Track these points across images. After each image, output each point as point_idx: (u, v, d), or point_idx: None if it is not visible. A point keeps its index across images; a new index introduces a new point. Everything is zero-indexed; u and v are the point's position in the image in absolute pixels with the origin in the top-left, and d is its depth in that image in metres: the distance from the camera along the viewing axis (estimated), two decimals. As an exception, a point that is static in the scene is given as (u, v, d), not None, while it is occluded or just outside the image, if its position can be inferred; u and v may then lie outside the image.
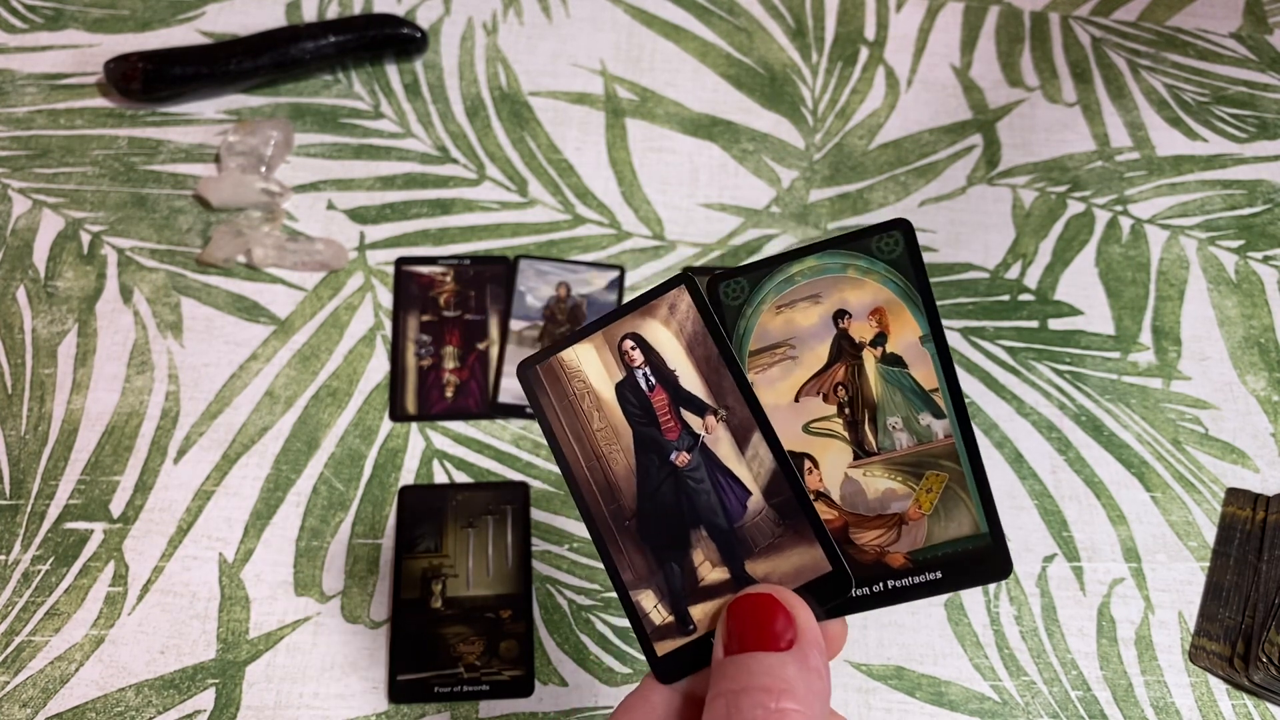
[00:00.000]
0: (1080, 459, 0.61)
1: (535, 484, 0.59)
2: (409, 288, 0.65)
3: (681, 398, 0.31)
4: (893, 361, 0.31)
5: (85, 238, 0.66)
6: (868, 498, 0.30)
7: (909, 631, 0.56)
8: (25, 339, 0.63)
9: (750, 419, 0.31)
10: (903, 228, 0.31)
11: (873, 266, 0.31)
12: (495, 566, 0.56)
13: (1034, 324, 0.66)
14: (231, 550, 0.57)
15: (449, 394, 0.62)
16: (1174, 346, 0.65)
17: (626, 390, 0.32)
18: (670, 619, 0.31)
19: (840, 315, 0.31)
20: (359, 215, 0.68)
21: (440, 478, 0.59)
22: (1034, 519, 0.59)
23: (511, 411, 0.61)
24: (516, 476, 0.59)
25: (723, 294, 0.32)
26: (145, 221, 0.67)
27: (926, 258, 0.68)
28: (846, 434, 0.31)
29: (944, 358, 0.31)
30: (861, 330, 0.31)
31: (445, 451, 0.60)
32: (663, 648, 0.31)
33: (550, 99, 0.74)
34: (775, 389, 0.31)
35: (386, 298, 0.65)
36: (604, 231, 0.68)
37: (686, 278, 0.31)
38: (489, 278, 0.66)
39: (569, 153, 0.72)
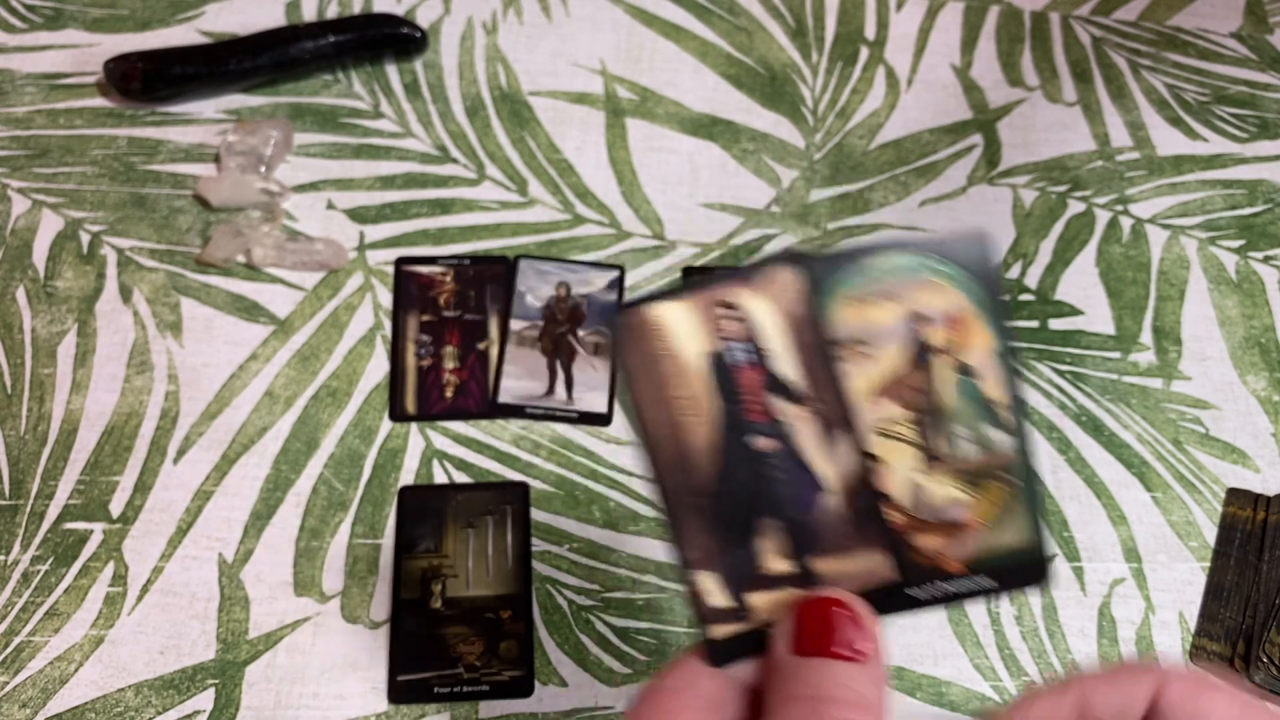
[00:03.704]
0: (1081, 459, 0.61)
1: (535, 484, 0.59)
2: (409, 288, 0.65)
3: (774, 381, 0.30)
4: (966, 372, 0.30)
5: (85, 238, 0.66)
6: (931, 503, 0.30)
7: (909, 631, 0.56)
8: (24, 339, 0.63)
9: (840, 416, 0.30)
10: (984, 239, 0.30)
11: (953, 273, 0.30)
12: (495, 567, 0.56)
13: (1034, 324, 0.66)
14: (231, 550, 0.57)
15: (449, 394, 0.62)
16: (1174, 346, 0.65)
17: (717, 362, 0.30)
18: (729, 604, 0.30)
19: (918, 318, 0.30)
20: (359, 215, 0.68)
21: (440, 478, 0.59)
22: (1034, 519, 0.59)
23: (511, 411, 0.61)
24: (516, 477, 0.59)
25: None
26: (145, 221, 0.67)
27: (927, 257, 0.68)
28: (917, 439, 0.30)
29: (1013, 374, 0.30)
30: (938, 336, 0.30)
31: (445, 452, 0.60)
32: (716, 631, 0.30)
33: (550, 99, 0.74)
34: (849, 386, 0.30)
35: (386, 298, 0.65)
36: (604, 231, 0.68)
37: (800, 257, 0.30)
38: (489, 278, 0.66)
39: (569, 152, 0.72)
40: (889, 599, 0.30)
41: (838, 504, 0.30)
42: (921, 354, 0.30)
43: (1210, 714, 0.29)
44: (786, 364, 0.30)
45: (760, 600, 0.30)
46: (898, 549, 0.30)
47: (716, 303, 0.30)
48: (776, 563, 0.30)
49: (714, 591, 0.30)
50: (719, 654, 0.30)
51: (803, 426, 0.30)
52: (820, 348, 0.30)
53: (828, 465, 0.30)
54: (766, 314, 0.30)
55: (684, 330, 0.30)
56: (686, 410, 0.30)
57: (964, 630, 0.56)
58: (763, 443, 0.30)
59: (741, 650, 0.30)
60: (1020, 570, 0.30)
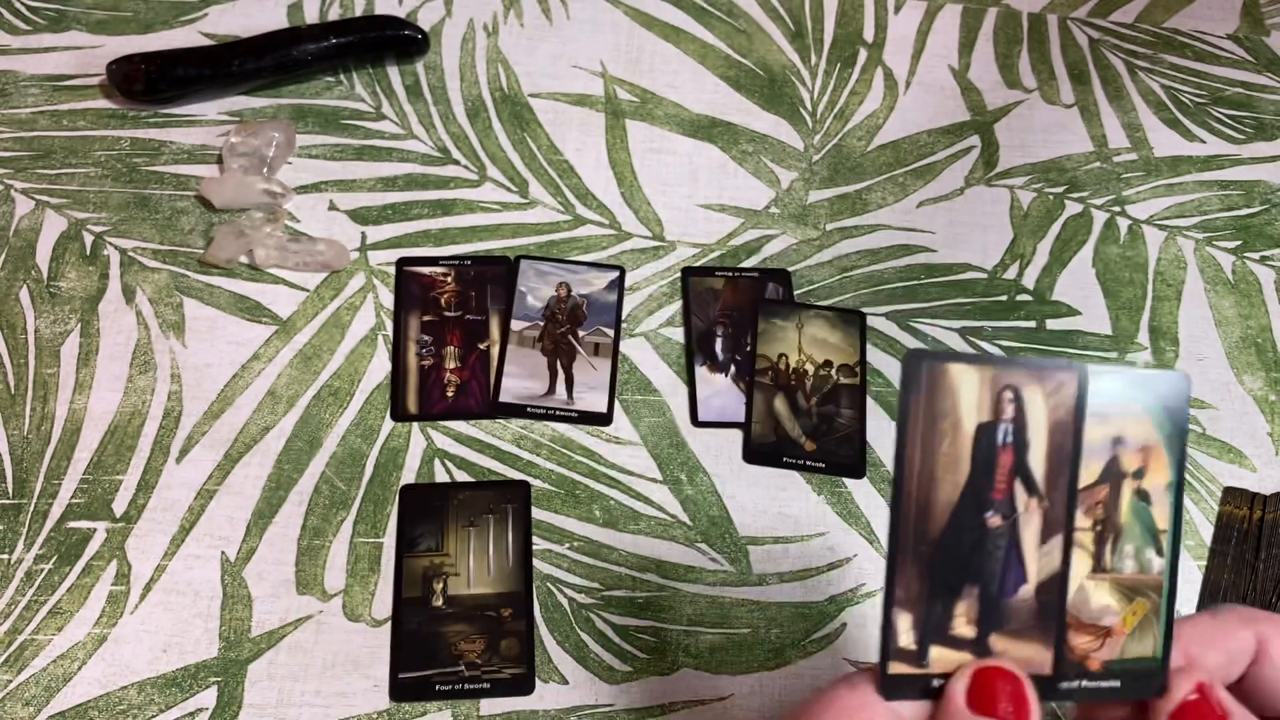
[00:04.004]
0: (1078, 458, 0.61)
1: (536, 483, 0.59)
2: (410, 288, 0.65)
3: (1023, 470, 0.33)
4: (1142, 497, 0.34)
5: (88, 238, 0.67)
6: (1090, 607, 0.34)
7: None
8: (28, 339, 0.63)
9: (1061, 521, 0.33)
10: (1186, 381, 0.34)
11: (1152, 405, 0.34)
12: (496, 565, 0.57)
13: (1031, 324, 0.66)
14: (234, 549, 0.57)
15: (450, 394, 0.62)
16: (1171, 346, 0.65)
17: (985, 434, 0.33)
18: (913, 647, 0.33)
19: (1118, 442, 0.34)
20: (360, 216, 0.69)
21: (441, 477, 0.60)
22: (1032, 518, 0.60)
23: (512, 411, 0.62)
24: (517, 476, 0.60)
25: None
26: (148, 222, 0.68)
27: (924, 259, 0.68)
28: (1092, 547, 0.34)
29: (1177, 508, 0.34)
30: (1130, 461, 0.34)
31: (446, 451, 0.60)
32: (894, 668, 0.33)
33: (551, 100, 0.75)
34: (1075, 496, 0.34)
35: (388, 298, 0.65)
36: (604, 232, 0.69)
37: (1083, 371, 0.33)
38: (490, 278, 0.66)
39: (569, 154, 0.72)
40: (1039, 694, 0.34)
41: (1029, 595, 0.33)
42: (1114, 474, 0.34)
43: None
44: (1037, 459, 0.33)
45: (939, 654, 0.33)
46: (1058, 643, 0.34)
47: (1005, 385, 0.33)
48: (963, 627, 0.33)
49: (905, 632, 0.33)
50: (891, 687, 0.33)
51: (1029, 518, 0.33)
52: (1067, 456, 0.33)
53: (1034, 558, 0.34)
54: (1040, 410, 0.33)
55: (968, 395, 0.33)
56: (944, 466, 0.33)
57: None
58: (994, 520, 0.33)
59: (910, 691, 0.33)
60: (1141, 678, 0.34)
